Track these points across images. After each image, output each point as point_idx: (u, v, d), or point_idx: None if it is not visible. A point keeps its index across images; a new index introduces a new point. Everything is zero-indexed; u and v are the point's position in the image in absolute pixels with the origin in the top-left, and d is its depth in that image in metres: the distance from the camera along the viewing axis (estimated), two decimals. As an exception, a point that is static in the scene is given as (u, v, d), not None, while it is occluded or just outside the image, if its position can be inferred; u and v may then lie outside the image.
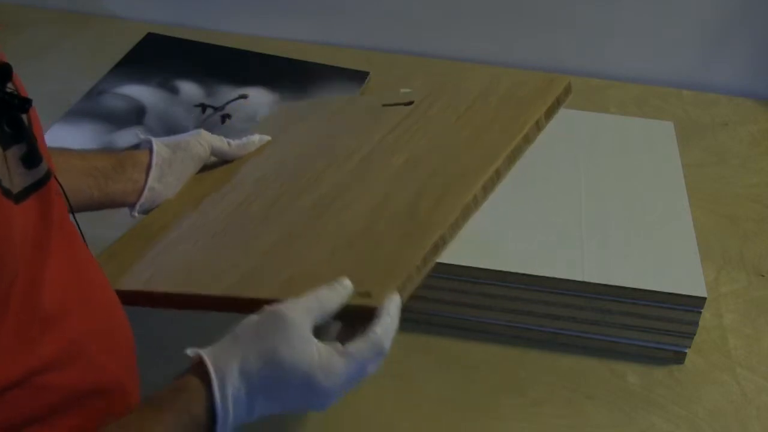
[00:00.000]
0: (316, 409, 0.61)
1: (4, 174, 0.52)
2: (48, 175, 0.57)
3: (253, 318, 0.60)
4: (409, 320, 0.91)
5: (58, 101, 1.20)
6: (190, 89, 1.26)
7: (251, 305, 0.60)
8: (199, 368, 0.58)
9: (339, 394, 0.60)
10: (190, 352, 0.59)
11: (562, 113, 1.11)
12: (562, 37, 1.32)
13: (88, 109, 1.21)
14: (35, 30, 1.40)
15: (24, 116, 0.56)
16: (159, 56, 1.33)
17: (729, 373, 0.88)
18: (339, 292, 0.61)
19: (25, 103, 0.55)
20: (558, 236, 0.90)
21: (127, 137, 1.15)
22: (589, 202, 0.95)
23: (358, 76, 1.30)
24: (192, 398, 0.57)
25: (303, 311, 0.59)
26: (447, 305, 0.89)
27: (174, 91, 1.26)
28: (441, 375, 0.86)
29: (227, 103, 1.24)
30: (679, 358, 0.89)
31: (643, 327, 0.87)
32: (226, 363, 0.58)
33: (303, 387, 0.59)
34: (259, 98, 1.25)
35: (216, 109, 1.22)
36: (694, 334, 0.87)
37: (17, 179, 0.54)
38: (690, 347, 0.88)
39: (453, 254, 0.87)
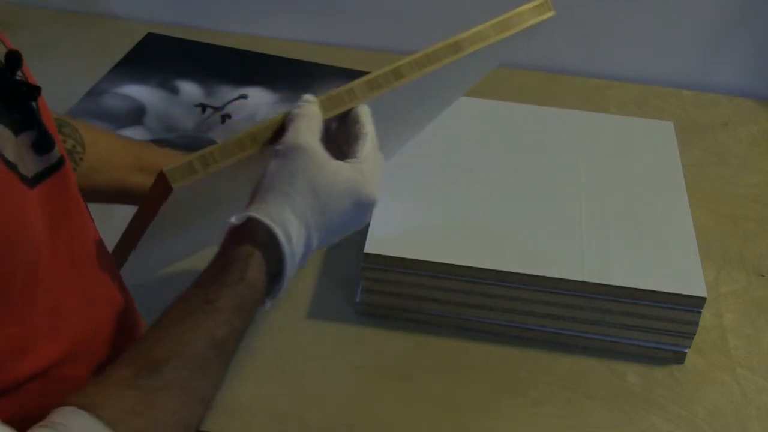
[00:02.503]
0: (359, 225, 0.64)
1: (19, 160, 0.53)
2: (61, 162, 0.57)
3: (273, 164, 0.60)
4: (409, 320, 0.91)
5: (58, 101, 1.20)
6: (190, 89, 1.26)
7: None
8: (243, 232, 0.58)
9: (377, 200, 0.62)
10: (235, 219, 0.58)
11: (563, 113, 1.11)
12: (562, 37, 1.32)
13: (88, 109, 1.21)
14: (35, 30, 1.40)
15: (33, 103, 0.56)
16: (159, 56, 1.33)
17: (729, 373, 0.88)
18: (313, 103, 0.63)
19: (34, 91, 0.55)
20: (558, 236, 0.90)
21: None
22: (589, 202, 0.95)
23: (358, 76, 1.29)
24: (246, 264, 0.57)
25: (310, 135, 0.61)
26: (447, 305, 0.89)
27: (174, 91, 1.26)
28: (441, 375, 0.86)
29: (227, 103, 1.23)
30: (679, 358, 0.88)
31: (643, 327, 0.87)
32: (279, 212, 0.58)
33: (352, 206, 0.61)
34: (259, 98, 1.25)
35: (216, 109, 1.22)
36: (694, 334, 0.87)
37: (29, 165, 0.54)
38: (690, 347, 0.88)
39: (453, 254, 0.87)
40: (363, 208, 0.62)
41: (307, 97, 0.63)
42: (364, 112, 0.65)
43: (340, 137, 0.65)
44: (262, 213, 0.58)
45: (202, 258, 0.85)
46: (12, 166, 0.52)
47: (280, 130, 0.62)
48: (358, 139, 0.63)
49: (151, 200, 0.61)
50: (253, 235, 0.57)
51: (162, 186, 0.58)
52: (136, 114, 1.20)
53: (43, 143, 0.55)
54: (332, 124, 0.65)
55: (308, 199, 0.59)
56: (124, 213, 0.83)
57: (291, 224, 0.58)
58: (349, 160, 0.62)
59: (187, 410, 0.52)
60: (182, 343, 0.53)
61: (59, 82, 1.25)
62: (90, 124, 0.83)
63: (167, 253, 0.81)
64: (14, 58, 0.55)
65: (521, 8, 0.74)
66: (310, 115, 0.62)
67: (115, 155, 0.81)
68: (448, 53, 0.69)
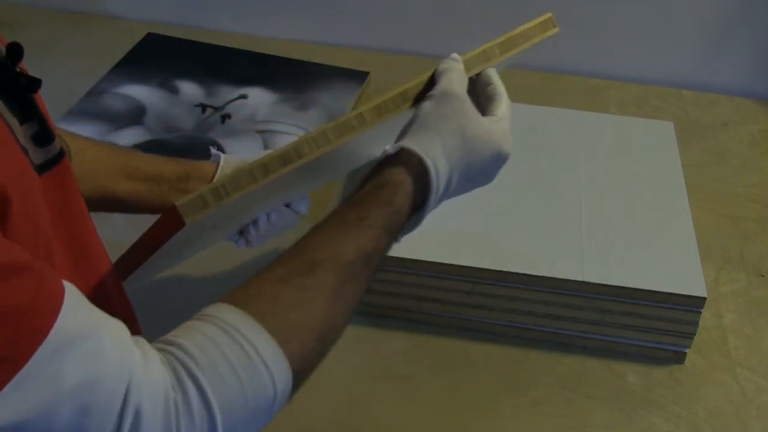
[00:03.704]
0: (490, 178, 0.68)
1: (28, 146, 0.53)
2: (60, 155, 0.57)
3: (427, 106, 0.64)
4: (409, 320, 0.91)
5: (58, 101, 1.20)
6: (190, 89, 1.26)
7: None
8: (396, 161, 0.61)
9: (510, 155, 0.67)
10: (389, 148, 0.62)
11: (563, 113, 1.11)
12: (562, 37, 1.31)
13: (88, 109, 1.21)
14: (35, 30, 1.40)
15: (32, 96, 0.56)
16: (159, 56, 1.33)
17: (729, 373, 0.88)
18: (459, 62, 0.68)
19: (35, 83, 0.56)
20: (558, 236, 0.90)
21: (127, 137, 1.15)
22: (589, 202, 0.95)
23: (358, 76, 1.30)
24: (395, 191, 0.60)
25: (461, 87, 0.65)
26: (447, 305, 0.89)
27: (174, 91, 1.26)
28: (441, 375, 0.86)
29: (227, 103, 1.23)
30: (679, 358, 0.89)
31: (643, 327, 0.87)
32: (431, 147, 0.62)
33: (491, 158, 0.65)
34: (259, 98, 1.25)
35: (216, 109, 1.22)
36: (694, 334, 0.87)
37: (32, 156, 0.54)
38: (690, 347, 0.88)
39: (453, 254, 0.87)
40: (499, 161, 0.66)
41: (455, 56, 0.68)
42: (494, 74, 0.69)
43: (474, 96, 0.69)
44: (416, 145, 0.62)
45: (199, 259, 0.85)
46: (25, 152, 0.52)
47: (293, 156, 0.62)
48: (494, 100, 0.68)
49: (160, 231, 0.62)
50: (406, 164, 0.61)
51: (174, 219, 0.59)
52: (136, 114, 1.20)
53: (43, 135, 0.55)
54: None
55: (457, 142, 0.63)
56: (121, 215, 0.83)
57: (440, 160, 0.62)
58: (488, 116, 0.66)
59: (335, 312, 0.55)
60: (335, 250, 0.57)
61: (59, 82, 1.25)
62: (74, 133, 0.83)
63: (166, 264, 0.81)
64: (16, 51, 0.55)
65: (527, 25, 0.74)
66: (459, 69, 0.67)
67: (102, 163, 0.81)
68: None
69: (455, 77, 0.66)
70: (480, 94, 0.69)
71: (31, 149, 0.54)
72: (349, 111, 0.66)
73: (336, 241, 0.57)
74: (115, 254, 0.68)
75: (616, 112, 1.26)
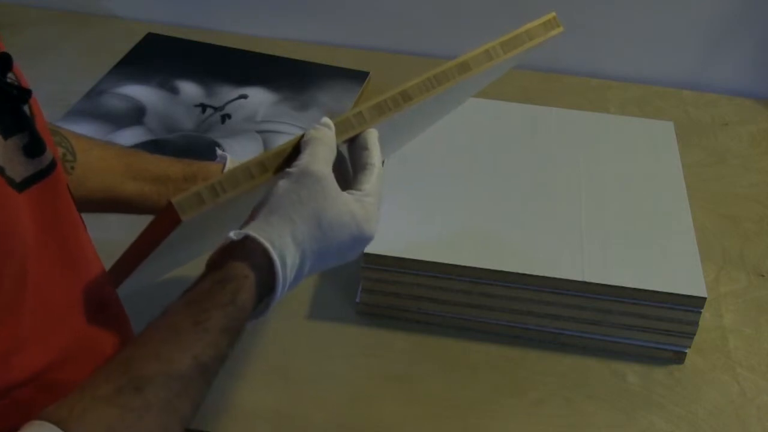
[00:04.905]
0: (352, 257, 0.63)
1: (7, 163, 0.52)
2: (52, 166, 0.56)
3: (282, 185, 0.59)
4: (409, 320, 0.91)
5: (58, 101, 1.20)
6: (190, 89, 1.26)
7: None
8: (240, 252, 0.57)
9: (374, 236, 0.62)
10: (234, 234, 0.57)
11: (563, 113, 1.11)
12: (563, 37, 1.32)
13: (88, 109, 1.21)
14: (35, 30, 1.40)
15: (25, 107, 0.56)
16: (159, 56, 1.33)
17: (729, 373, 0.88)
18: (330, 128, 0.62)
19: (25, 94, 0.55)
20: (558, 236, 0.90)
21: (127, 137, 1.15)
22: (589, 202, 0.95)
23: (358, 76, 1.30)
24: (239, 287, 0.56)
25: (324, 163, 0.60)
26: (447, 305, 0.89)
27: (174, 91, 1.26)
28: (441, 375, 0.86)
29: (227, 103, 1.23)
30: (679, 358, 0.89)
31: (643, 327, 0.87)
32: (279, 236, 0.57)
33: (351, 240, 0.61)
34: (259, 98, 1.25)
35: (216, 109, 1.22)
36: (694, 334, 0.87)
37: (19, 169, 0.54)
38: (690, 347, 0.88)
39: (453, 254, 0.87)
40: (360, 243, 0.62)
41: (325, 120, 0.62)
42: (372, 139, 0.63)
43: (350, 157, 0.64)
44: (263, 235, 0.57)
45: (198, 263, 0.85)
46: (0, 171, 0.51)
47: (292, 154, 0.61)
48: (365, 170, 0.62)
49: (157, 229, 0.60)
50: (250, 256, 0.57)
51: (170, 216, 0.57)
52: (136, 114, 1.20)
53: (33, 147, 0.55)
54: (341, 144, 0.65)
55: (311, 229, 0.58)
56: (114, 215, 0.83)
57: (289, 251, 0.57)
58: (354, 191, 0.61)
59: (165, 430, 0.52)
60: (168, 362, 0.52)
61: (59, 82, 1.25)
62: (80, 134, 0.82)
63: (165, 267, 0.81)
64: (3, 61, 0.55)
65: (530, 24, 0.72)
66: (326, 141, 0.61)
67: (107, 163, 0.80)
68: (456, 73, 0.68)
69: (319, 151, 0.59)
70: (353, 159, 0.63)
71: (18, 161, 0.54)
72: (352, 107, 0.64)
73: (168, 351, 0.53)
74: (107, 255, 0.67)
75: (616, 112, 1.26)
